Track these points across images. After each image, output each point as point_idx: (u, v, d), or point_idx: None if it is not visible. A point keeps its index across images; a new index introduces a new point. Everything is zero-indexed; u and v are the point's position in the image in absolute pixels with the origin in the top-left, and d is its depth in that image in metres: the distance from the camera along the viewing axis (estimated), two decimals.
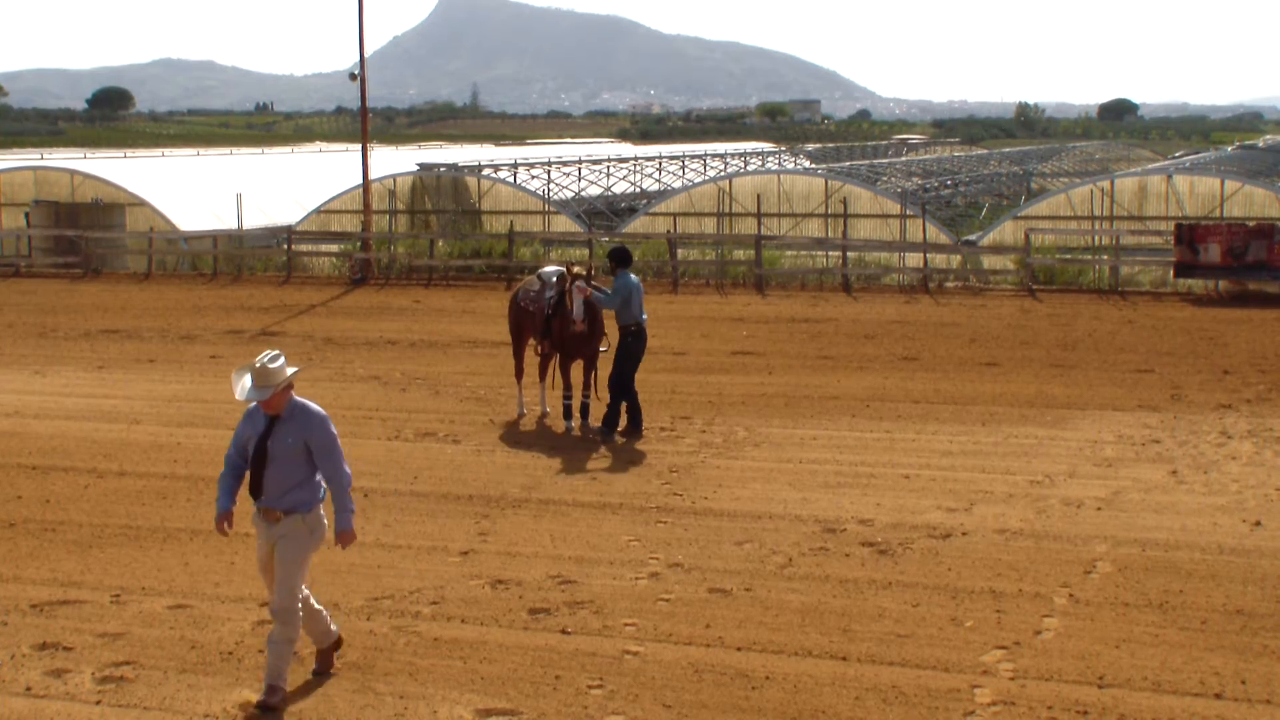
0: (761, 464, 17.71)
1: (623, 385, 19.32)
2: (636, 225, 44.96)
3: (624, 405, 19.44)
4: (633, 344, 19.44)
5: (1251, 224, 35.46)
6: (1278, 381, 23.00)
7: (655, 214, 45.55)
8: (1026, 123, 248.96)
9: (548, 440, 19.13)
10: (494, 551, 13.93)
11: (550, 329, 19.94)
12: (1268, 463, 17.55)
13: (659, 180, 64.85)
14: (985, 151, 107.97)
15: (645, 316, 19.70)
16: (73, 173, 49.60)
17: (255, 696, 10.20)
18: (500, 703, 10.14)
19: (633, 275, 19.76)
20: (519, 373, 21.06)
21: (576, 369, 20.01)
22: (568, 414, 19.72)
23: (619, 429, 19.39)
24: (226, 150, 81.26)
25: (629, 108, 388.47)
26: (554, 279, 20.24)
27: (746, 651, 11.15)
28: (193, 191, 49.33)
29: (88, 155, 66.08)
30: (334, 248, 43.96)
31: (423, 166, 53.57)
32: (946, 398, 21.75)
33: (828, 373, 24.19)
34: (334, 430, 10.44)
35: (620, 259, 19.88)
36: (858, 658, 10.99)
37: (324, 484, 10.46)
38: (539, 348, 20.50)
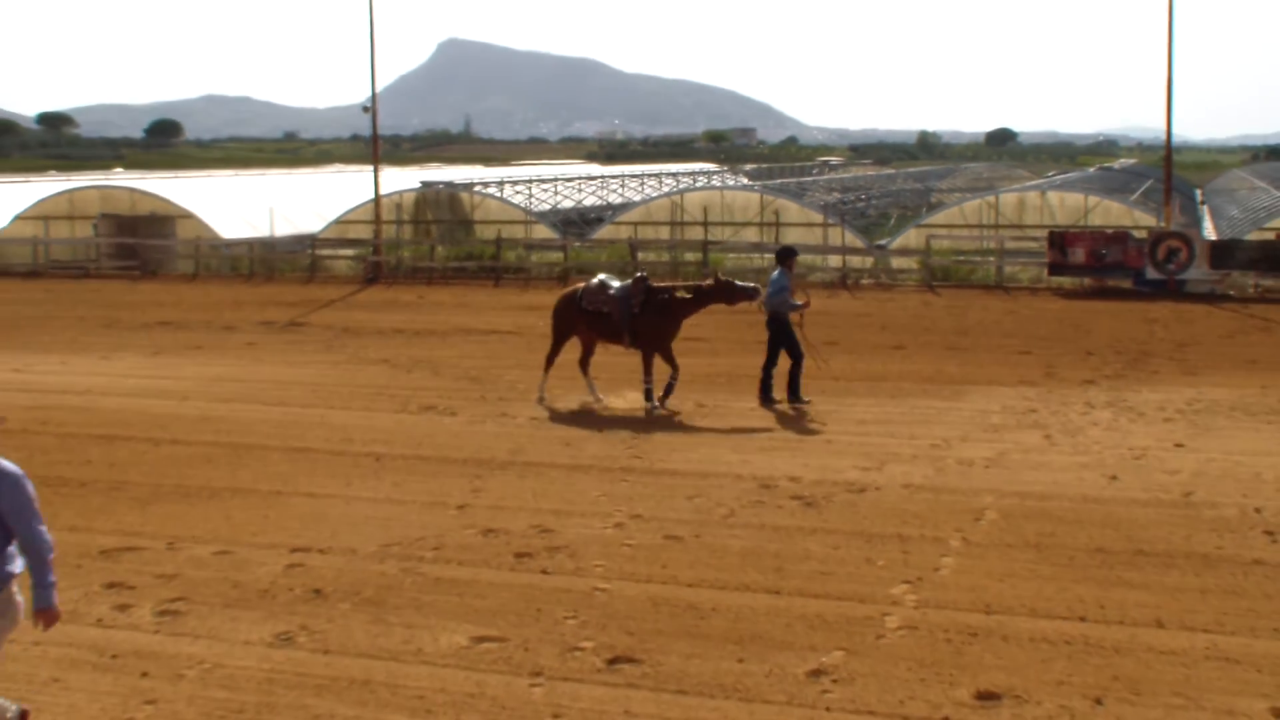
0: (708, 432, 17.73)
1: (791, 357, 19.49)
2: (603, 233, 44.89)
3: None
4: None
5: (1110, 231, 35.64)
6: (1132, 361, 23.13)
7: (619, 223, 45.53)
8: (927, 147, 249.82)
9: (528, 413, 19.09)
10: (485, 505, 13.91)
11: (634, 326, 19.46)
12: (1123, 428, 17.65)
13: (622, 195, 64.71)
14: (893, 171, 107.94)
15: (768, 304, 19.70)
16: (132, 190, 49.24)
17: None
18: (491, 631, 10.13)
19: (776, 270, 19.92)
20: (550, 363, 20.36)
21: (646, 359, 19.62)
22: (649, 397, 19.31)
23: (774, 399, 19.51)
24: (260, 171, 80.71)
25: (597, 135, 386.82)
26: (619, 284, 19.86)
27: (696, 588, 11.17)
28: (232, 206, 49.03)
29: (144, 176, 65.58)
30: (350, 252, 43.83)
31: (424, 184, 53.43)
32: (862, 375, 21.80)
33: (760, 354, 24.14)
34: (31, 491, 7.40)
35: (781, 256, 20.32)
36: (788, 592, 11.02)
37: (19, 554, 7.47)
38: (621, 343, 19.83)
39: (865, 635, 9.97)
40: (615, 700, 8.86)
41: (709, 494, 14.27)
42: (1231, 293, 33.08)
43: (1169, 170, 38.47)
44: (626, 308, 19.56)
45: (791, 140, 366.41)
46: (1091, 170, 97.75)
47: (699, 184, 64.76)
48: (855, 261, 38.20)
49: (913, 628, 10.12)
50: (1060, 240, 34.80)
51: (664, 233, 43.81)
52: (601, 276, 20.39)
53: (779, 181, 69.34)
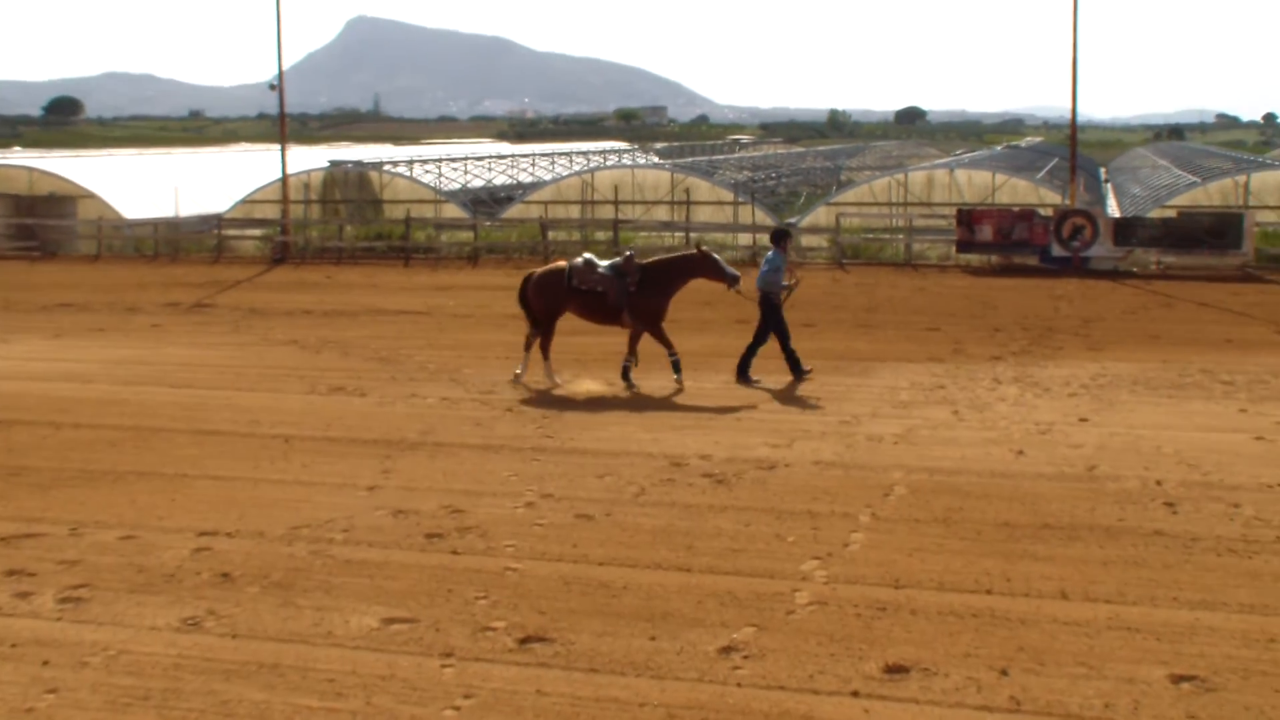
0: (619, 410, 17.75)
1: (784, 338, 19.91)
2: (514, 212, 44.76)
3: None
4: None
5: (1016, 209, 36.03)
6: (1038, 337, 23.44)
7: (529, 202, 45.40)
8: (837, 125, 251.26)
9: (440, 392, 19.00)
10: (395, 486, 13.84)
11: (632, 305, 19.48)
12: (1029, 403, 17.89)
13: (532, 174, 64.48)
14: (803, 149, 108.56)
15: (762, 284, 20.00)
16: (30, 169, 48.40)
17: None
18: (402, 612, 10.09)
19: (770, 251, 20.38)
20: (548, 345, 19.85)
21: (634, 337, 19.74)
22: (626, 375, 19.46)
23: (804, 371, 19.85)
24: (164, 150, 79.38)
25: (507, 113, 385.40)
26: (605, 263, 19.83)
27: (607, 566, 11.19)
28: (135, 185, 48.34)
29: (44, 155, 64.40)
30: (257, 232, 43.40)
31: (333, 163, 52.97)
32: (772, 353, 21.86)
33: (674, 333, 24.09)
34: None
35: (776, 237, 20.80)
36: (699, 569, 11.07)
37: None
38: (616, 323, 19.81)
39: (776, 611, 10.04)
40: (527, 680, 8.86)
41: (620, 472, 14.29)
42: (1134, 269, 33.61)
43: (1074, 149, 38.98)
44: (623, 286, 19.53)
45: (702, 119, 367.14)
46: (999, 149, 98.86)
47: (610, 163, 64.69)
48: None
49: (822, 603, 10.20)
50: (968, 218, 35.17)
51: (575, 212, 43.77)
52: (586, 255, 20.27)
53: (690, 160, 69.45)
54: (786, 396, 18.53)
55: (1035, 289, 30.13)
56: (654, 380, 19.48)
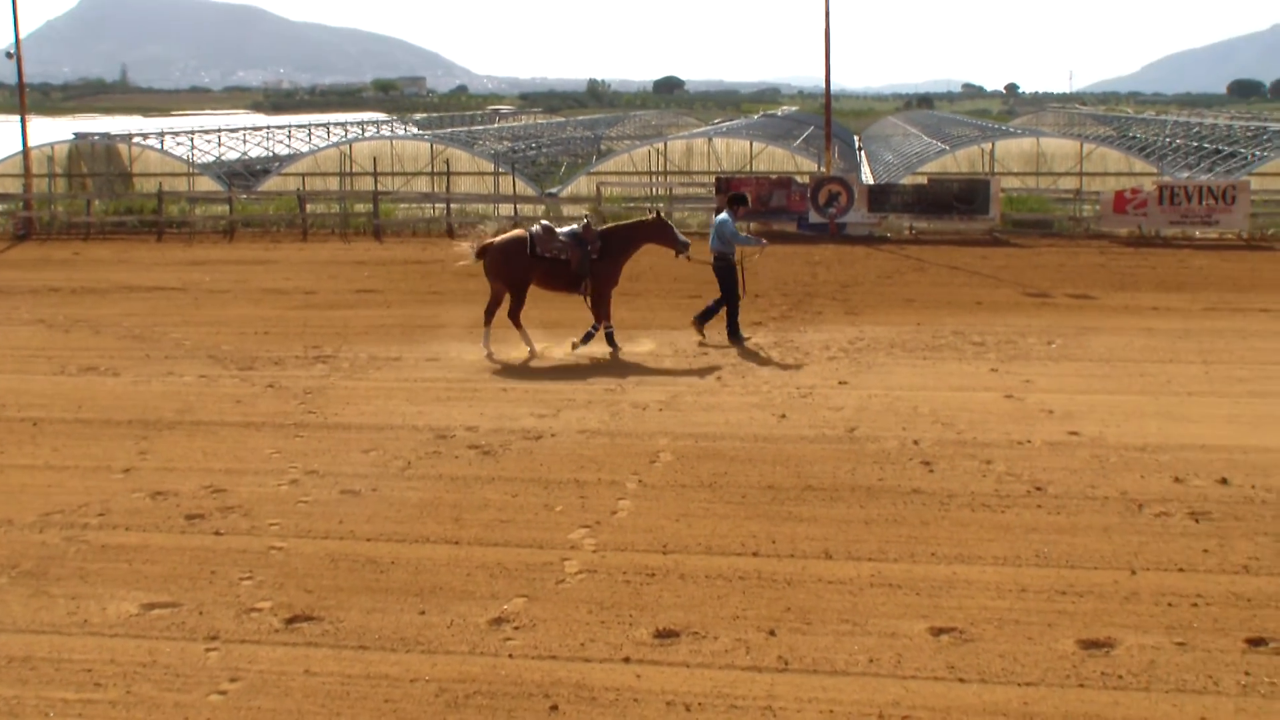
0: (383, 384, 17.53)
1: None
2: (270, 184, 43.73)
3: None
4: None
5: (774, 177, 36.62)
6: (797, 303, 23.92)
7: (287, 174, 44.39)
8: (596, 95, 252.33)
9: (197, 370, 18.47)
10: (153, 468, 13.44)
11: (594, 271, 19.49)
12: (790, 367, 18.25)
13: (289, 146, 63.16)
14: (563, 119, 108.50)
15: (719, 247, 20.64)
16: None
17: None
18: (163, 597, 9.82)
19: (720, 214, 21.02)
20: (518, 312, 19.49)
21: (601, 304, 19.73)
22: (611, 340, 19.56)
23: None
24: None
25: (262, 84, 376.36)
26: (567, 231, 19.75)
27: (375, 541, 11.06)
28: None
29: None
30: None
31: (78, 135, 51.03)
32: (537, 322, 21.83)
33: (437, 305, 24.08)
34: None
35: (733, 201, 21.46)
36: (468, 541, 11.03)
37: None
38: (577, 290, 19.65)
39: (545, 581, 10.06)
40: (295, 660, 8.71)
41: (385, 446, 14.13)
42: (888, 235, 34.52)
43: (829, 117, 39.79)
44: (585, 253, 19.43)
45: (462, 89, 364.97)
46: (756, 118, 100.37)
47: (368, 134, 63.77)
48: (526, 209, 38.23)
49: (592, 571, 10.26)
50: (726, 186, 35.56)
51: (333, 184, 43.00)
52: (543, 222, 20.09)
53: (449, 131, 68.85)
54: (551, 365, 18.54)
55: (793, 255, 30.70)
56: (468, 351, 19.33)
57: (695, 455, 13.63)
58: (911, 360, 18.70)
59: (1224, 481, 12.52)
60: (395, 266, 29.75)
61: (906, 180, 39.58)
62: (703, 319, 20.55)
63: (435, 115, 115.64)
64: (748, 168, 42.12)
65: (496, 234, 20.10)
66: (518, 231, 20.07)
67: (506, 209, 38.07)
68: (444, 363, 18.81)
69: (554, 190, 41.98)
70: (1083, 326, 21.31)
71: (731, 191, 23.15)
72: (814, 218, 34.72)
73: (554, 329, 20.43)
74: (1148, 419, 15.00)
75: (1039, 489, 12.33)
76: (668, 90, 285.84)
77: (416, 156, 44.29)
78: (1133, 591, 9.76)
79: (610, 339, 19.56)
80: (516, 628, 9.19)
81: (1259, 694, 8.17)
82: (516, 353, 19.24)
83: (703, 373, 17.94)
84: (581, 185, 40.96)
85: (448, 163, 41.71)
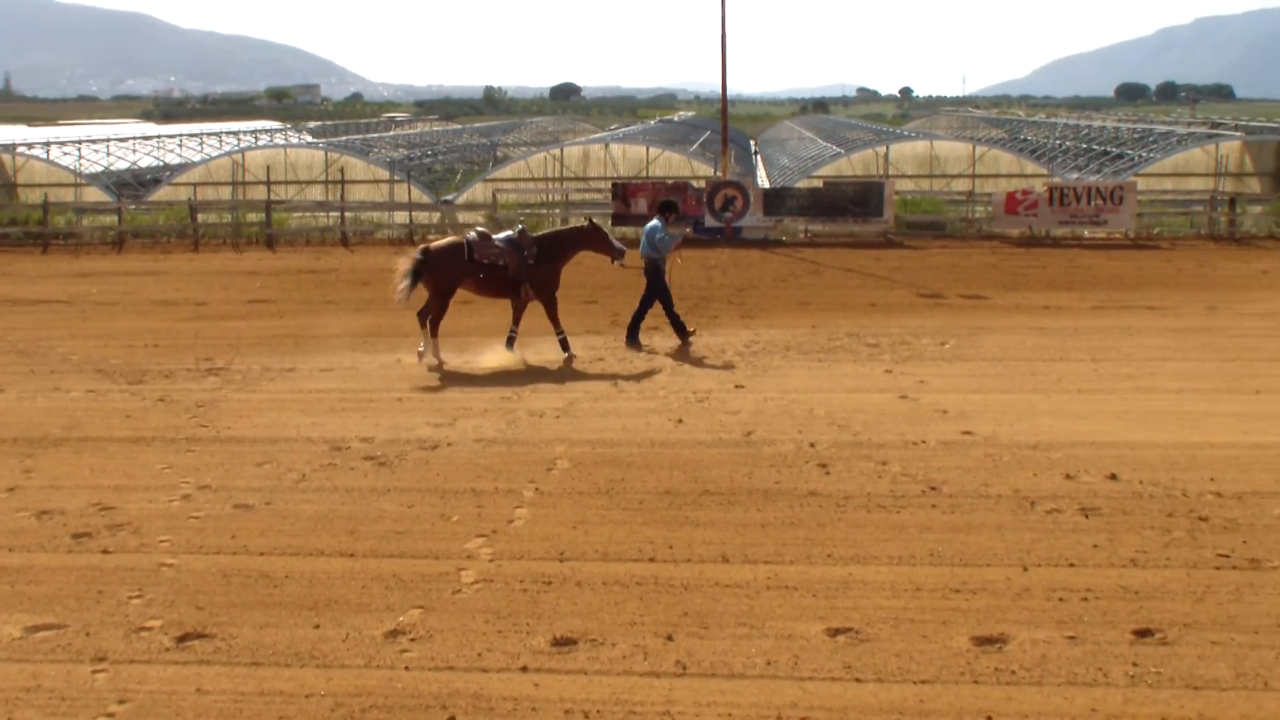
0: (277, 395, 17.32)
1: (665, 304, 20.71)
2: (161, 194, 43.10)
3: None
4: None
5: (671, 182, 36.77)
6: (694, 306, 23.97)
7: (178, 184, 43.78)
8: (493, 102, 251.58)
9: (85, 385, 18.12)
10: (38, 486, 13.15)
11: (531, 277, 19.51)
12: (686, 372, 18.30)
13: (180, 155, 62.24)
14: (459, 126, 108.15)
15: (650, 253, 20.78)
16: None
17: None
18: (48, 618, 9.62)
19: (652, 221, 21.05)
20: (438, 323, 19.41)
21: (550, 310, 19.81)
22: (565, 346, 19.60)
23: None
24: None
25: (153, 93, 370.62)
26: (503, 237, 19.70)
27: (268, 556, 10.93)
28: None
29: None
30: None
31: None
32: (472, 331, 21.76)
33: (331, 314, 23.87)
34: None
35: (663, 208, 21.52)
36: (363, 553, 10.93)
37: None
38: (514, 296, 19.61)
39: (442, 591, 9.99)
40: (186, 679, 8.58)
41: (279, 459, 13.96)
42: (784, 238, 34.75)
43: (725, 122, 39.95)
44: (523, 259, 19.37)
45: (357, 97, 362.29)
46: (653, 123, 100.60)
47: (261, 142, 63.06)
48: (422, 217, 38.05)
49: (489, 580, 10.21)
50: (623, 191, 35.67)
51: (225, 193, 42.47)
52: (479, 228, 20.07)
53: (344, 139, 68.31)
54: (447, 374, 18.43)
55: (690, 259, 30.73)
56: (380, 356, 19.15)
57: (592, 462, 13.62)
58: (807, 363, 18.83)
59: (1113, 477, 12.74)
60: (289, 276, 29.45)
61: (802, 184, 39.85)
62: (634, 334, 20.65)
63: (330, 123, 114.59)
64: (644, 173, 42.21)
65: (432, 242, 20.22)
66: (454, 238, 20.12)
67: (402, 217, 37.85)
68: (339, 373, 18.62)
69: (450, 198, 41.78)
70: (975, 326, 21.59)
71: (661, 199, 23.28)
72: (710, 222, 34.87)
73: (471, 337, 20.31)
74: (1039, 417, 15.23)
75: (933, 489, 12.47)
76: (565, 97, 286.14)
77: (311, 165, 43.91)
78: (1025, 588, 9.89)
79: (564, 345, 19.64)
80: (413, 639, 9.12)
81: (1146, 684, 8.32)
82: (491, 359, 19.33)
83: (599, 379, 17.93)
84: (478, 192, 40.80)
85: (342, 171, 41.36)
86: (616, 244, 20.18)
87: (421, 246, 19.80)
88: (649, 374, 18.19)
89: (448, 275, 19.40)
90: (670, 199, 22.86)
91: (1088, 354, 19.14)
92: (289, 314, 24.11)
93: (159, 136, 68.19)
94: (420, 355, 19.29)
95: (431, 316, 19.45)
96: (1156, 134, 52.56)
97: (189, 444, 14.78)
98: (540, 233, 20.63)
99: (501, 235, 19.85)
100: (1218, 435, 14.31)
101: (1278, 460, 13.29)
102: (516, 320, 19.71)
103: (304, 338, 21.38)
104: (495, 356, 19.38)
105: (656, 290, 20.61)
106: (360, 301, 25.13)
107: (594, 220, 20.98)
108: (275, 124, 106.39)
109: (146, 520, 11.95)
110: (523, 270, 19.48)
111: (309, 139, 72.72)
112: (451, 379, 18.15)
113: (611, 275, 28.32)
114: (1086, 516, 11.58)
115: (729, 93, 38.73)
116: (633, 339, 20.44)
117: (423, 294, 19.54)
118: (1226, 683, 8.35)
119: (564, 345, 19.59)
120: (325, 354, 19.88)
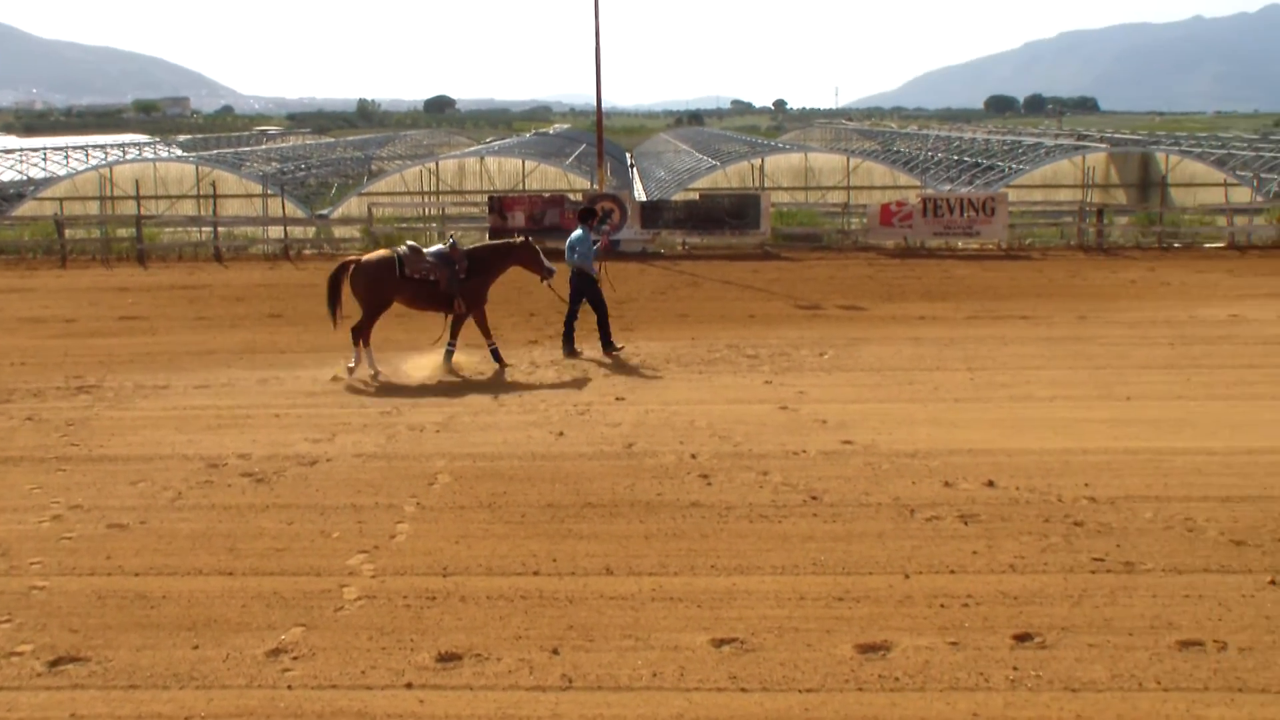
0: (151, 413, 17.03)
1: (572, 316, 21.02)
2: (25, 209, 42.21)
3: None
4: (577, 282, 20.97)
5: (547, 195, 36.70)
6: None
7: (42, 199, 42.91)
8: (366, 115, 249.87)
9: None
10: None
11: (463, 291, 19.53)
12: (567, 384, 18.31)
13: (45, 169, 61.09)
14: (333, 140, 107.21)
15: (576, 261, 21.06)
16: None
17: None
18: None
19: (577, 230, 21.23)
20: (369, 334, 19.44)
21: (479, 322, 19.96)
22: (497, 357, 19.73)
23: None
24: None
25: (13, 105, 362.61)
26: (434, 251, 19.73)
27: (144, 576, 10.73)
28: None
29: None
30: None
31: None
32: (309, 347, 21.57)
33: (205, 331, 23.53)
34: None
35: (583, 216, 21.84)
36: (243, 572, 10.77)
37: None
38: (446, 309, 19.63)
39: (324, 609, 9.89)
40: (59, 704, 8.40)
41: (154, 478, 13.72)
42: (662, 251, 34.89)
43: (600, 135, 40.05)
44: (454, 273, 19.34)
45: (227, 110, 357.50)
46: (528, 136, 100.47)
47: (130, 156, 62.09)
48: (297, 232, 37.66)
49: (371, 597, 10.12)
50: (499, 204, 35.59)
51: (93, 208, 41.69)
52: (409, 243, 19.97)
53: (215, 152, 67.37)
54: (323, 390, 18.25)
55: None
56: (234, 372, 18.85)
57: (473, 476, 13.56)
58: (687, 375, 18.92)
59: (991, 484, 12.96)
60: (161, 292, 28.97)
61: (679, 196, 40.05)
62: (569, 342, 20.84)
63: (200, 136, 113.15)
64: (520, 186, 42.17)
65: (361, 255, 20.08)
66: (384, 252, 20.04)
67: (276, 231, 37.42)
68: (214, 390, 18.35)
69: (325, 212, 41.40)
70: (853, 337, 21.84)
71: (582, 206, 23.47)
72: None
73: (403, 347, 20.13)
74: (917, 426, 15.44)
75: (815, 498, 12.59)
76: (439, 109, 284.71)
77: (181, 179, 43.29)
78: (907, 595, 10.02)
79: (496, 355, 19.71)
80: (295, 658, 9.01)
81: (1026, 687, 8.47)
82: (422, 371, 19.31)
83: (480, 392, 17.86)
84: (353, 206, 40.46)
85: (214, 185, 40.78)
86: (547, 264, 20.20)
87: (348, 259, 19.72)
88: (529, 387, 18.16)
89: (379, 290, 19.43)
90: (589, 206, 23.14)
91: (963, 363, 19.45)
92: (162, 330, 23.72)
93: (21, 150, 66.88)
94: (351, 370, 19.11)
95: (362, 324, 19.49)
96: (1025, 146, 53.64)
97: (59, 463, 14.47)
98: (471, 246, 20.58)
99: (433, 249, 19.86)
100: (1091, 441, 14.62)
101: (1149, 465, 13.61)
102: (454, 334, 19.75)
103: (178, 354, 21.05)
104: (428, 367, 19.44)
105: (589, 296, 20.82)
106: (235, 318, 24.80)
107: (529, 238, 21.02)
108: (144, 137, 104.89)
109: (15, 542, 11.68)
110: (454, 284, 19.51)
111: (179, 153, 71.59)
112: (330, 395, 17.97)
113: (494, 289, 28.23)
114: (965, 523, 11.76)
115: (604, 105, 38.85)
116: (568, 347, 20.75)
117: (354, 307, 19.46)
118: (1103, 684, 8.53)
119: (495, 356, 19.70)
120: (200, 370, 19.59)
